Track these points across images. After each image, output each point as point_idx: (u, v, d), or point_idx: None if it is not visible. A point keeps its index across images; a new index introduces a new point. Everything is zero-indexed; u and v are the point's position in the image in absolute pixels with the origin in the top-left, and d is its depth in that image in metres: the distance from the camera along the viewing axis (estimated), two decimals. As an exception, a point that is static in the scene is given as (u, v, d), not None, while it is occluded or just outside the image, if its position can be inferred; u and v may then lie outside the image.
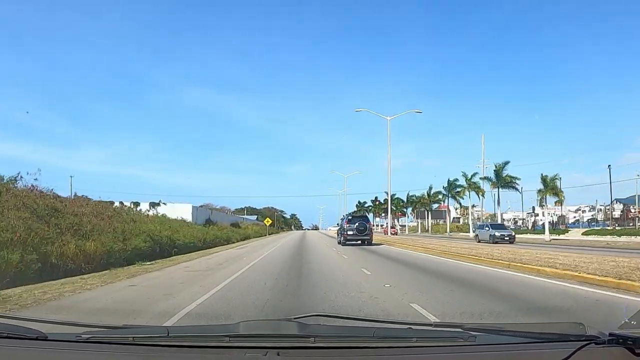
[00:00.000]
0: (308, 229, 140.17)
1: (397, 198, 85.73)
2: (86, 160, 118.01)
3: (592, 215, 76.30)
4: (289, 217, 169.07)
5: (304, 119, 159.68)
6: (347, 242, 28.87)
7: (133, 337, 1.91)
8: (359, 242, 29.12)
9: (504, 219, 67.65)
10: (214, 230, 39.39)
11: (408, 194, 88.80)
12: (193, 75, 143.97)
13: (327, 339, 1.87)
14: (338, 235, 34.09)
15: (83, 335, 1.91)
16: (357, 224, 29.43)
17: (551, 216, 64.24)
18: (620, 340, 1.71)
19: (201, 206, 56.21)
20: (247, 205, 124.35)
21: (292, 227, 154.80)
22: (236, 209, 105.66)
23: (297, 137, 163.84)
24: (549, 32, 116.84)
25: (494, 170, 54.84)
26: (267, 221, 64.94)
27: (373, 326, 2.24)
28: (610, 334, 1.75)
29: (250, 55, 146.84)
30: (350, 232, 29.14)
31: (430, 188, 79.66)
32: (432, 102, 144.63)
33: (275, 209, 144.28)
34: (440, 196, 77.35)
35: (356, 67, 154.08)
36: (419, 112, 54.30)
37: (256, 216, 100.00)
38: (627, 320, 2.07)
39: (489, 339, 1.86)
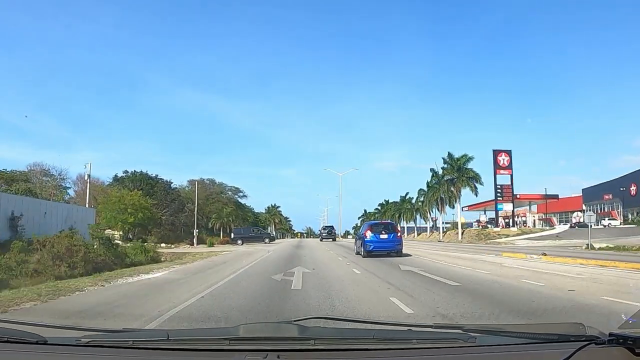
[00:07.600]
0: (303, 233, 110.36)
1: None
2: (80, 162, 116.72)
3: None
4: (262, 212, 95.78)
5: (298, 123, 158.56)
6: (323, 239, 51.05)
7: (133, 340, 1.90)
8: (330, 239, 51.15)
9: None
10: None
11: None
12: (189, 79, 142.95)
13: (327, 341, 1.87)
14: (319, 236, 60.38)
15: (83, 339, 1.91)
16: (327, 230, 56.04)
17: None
18: (621, 340, 1.71)
19: None
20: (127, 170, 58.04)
21: (266, 235, 53.35)
22: (110, 182, 55.08)
23: (291, 141, 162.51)
24: (544, 36, 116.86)
25: None
26: None
27: (373, 328, 2.24)
28: (610, 334, 1.76)
29: (246, 58, 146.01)
30: (324, 234, 54.52)
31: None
32: (427, 106, 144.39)
33: (222, 185, 75.15)
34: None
35: (352, 71, 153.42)
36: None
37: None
38: (626, 320, 2.07)
39: (489, 340, 1.86)
